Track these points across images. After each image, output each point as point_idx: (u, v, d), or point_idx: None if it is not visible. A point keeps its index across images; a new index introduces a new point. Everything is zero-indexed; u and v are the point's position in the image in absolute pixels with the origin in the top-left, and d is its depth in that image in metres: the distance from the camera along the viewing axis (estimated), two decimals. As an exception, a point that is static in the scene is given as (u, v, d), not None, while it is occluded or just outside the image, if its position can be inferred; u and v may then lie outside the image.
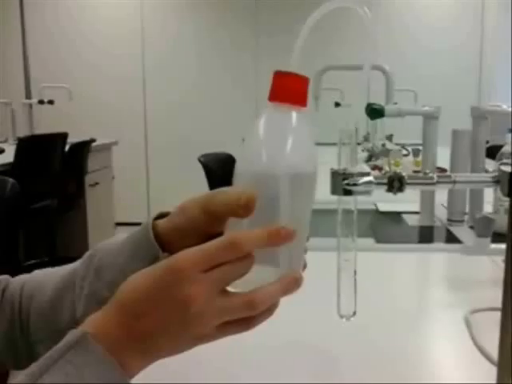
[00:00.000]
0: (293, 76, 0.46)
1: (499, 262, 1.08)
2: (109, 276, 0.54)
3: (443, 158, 1.58)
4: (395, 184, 0.58)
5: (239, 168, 0.46)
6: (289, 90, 0.46)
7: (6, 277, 0.63)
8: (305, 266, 0.50)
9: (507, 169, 0.58)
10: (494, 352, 0.56)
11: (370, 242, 1.31)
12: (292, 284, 0.45)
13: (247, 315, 0.44)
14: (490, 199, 1.40)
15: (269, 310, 0.46)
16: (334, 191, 0.57)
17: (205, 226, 0.50)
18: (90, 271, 0.55)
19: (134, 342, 0.43)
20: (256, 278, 0.43)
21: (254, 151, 0.45)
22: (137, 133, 5.49)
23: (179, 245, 0.46)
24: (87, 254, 0.58)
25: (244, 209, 0.44)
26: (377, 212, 1.67)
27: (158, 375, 0.57)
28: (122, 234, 0.56)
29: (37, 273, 0.62)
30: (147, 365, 0.44)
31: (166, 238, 0.52)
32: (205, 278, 0.42)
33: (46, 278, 0.60)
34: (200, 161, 2.55)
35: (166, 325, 0.42)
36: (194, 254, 0.42)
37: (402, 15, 5.30)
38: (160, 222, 0.53)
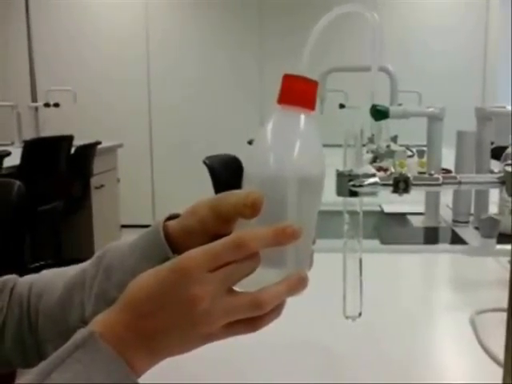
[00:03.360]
0: (302, 79, 0.47)
1: (505, 262, 1.08)
2: (118, 276, 0.54)
3: (448, 159, 1.58)
4: (401, 185, 0.58)
5: (248, 170, 0.47)
6: (298, 93, 0.47)
7: (14, 276, 0.63)
8: (310, 265, 0.50)
9: (512, 170, 0.58)
10: (500, 353, 0.56)
11: (375, 243, 1.31)
12: (298, 284, 0.45)
13: (254, 315, 0.44)
14: (495, 200, 1.39)
15: (276, 311, 0.46)
16: (339, 192, 0.57)
17: (214, 227, 0.50)
18: (100, 271, 0.56)
19: (140, 341, 0.43)
20: (262, 278, 0.44)
21: (263, 154, 0.46)
22: (142, 135, 5.51)
23: (189, 246, 0.47)
24: (97, 253, 0.58)
25: (250, 209, 0.45)
26: (382, 213, 1.67)
27: (162, 373, 0.57)
28: (132, 236, 0.56)
29: (45, 273, 0.63)
30: (154, 364, 0.45)
31: (176, 240, 0.53)
32: (211, 277, 0.42)
33: (55, 278, 0.60)
34: (205, 163, 2.55)
35: (173, 324, 0.43)
36: (199, 253, 0.43)
37: (405, 16, 5.29)
38: (170, 223, 0.54)
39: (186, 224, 0.53)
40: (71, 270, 0.60)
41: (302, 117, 0.47)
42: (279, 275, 0.45)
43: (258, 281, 0.44)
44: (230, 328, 0.44)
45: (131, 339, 0.43)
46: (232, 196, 0.48)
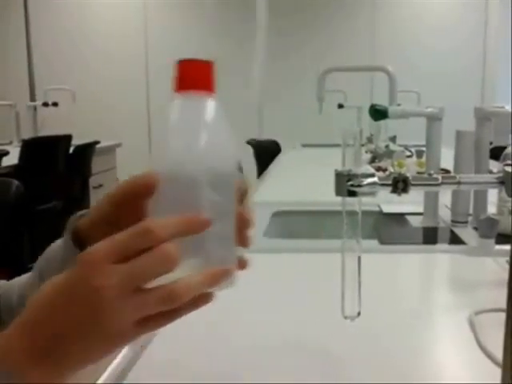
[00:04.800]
0: (196, 61, 0.45)
1: (503, 263, 1.08)
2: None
3: (446, 159, 1.58)
4: (400, 185, 0.58)
5: (155, 166, 0.43)
6: (194, 75, 0.44)
7: (3, 282, 0.61)
8: (244, 265, 0.47)
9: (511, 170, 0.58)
10: (498, 353, 0.56)
11: (373, 243, 1.30)
12: (218, 276, 0.42)
13: (167, 308, 0.40)
14: (493, 200, 1.39)
15: (194, 303, 0.43)
16: (338, 192, 0.57)
17: (117, 214, 0.47)
18: (35, 275, 0.55)
19: (37, 351, 0.39)
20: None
21: (166, 145, 0.43)
22: (141, 134, 5.50)
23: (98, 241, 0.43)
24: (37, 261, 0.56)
25: (144, 186, 0.42)
26: (380, 213, 1.67)
27: (160, 374, 0.57)
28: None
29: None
30: (62, 377, 0.40)
31: (88, 236, 0.50)
32: (117, 269, 0.38)
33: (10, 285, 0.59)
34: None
35: (76, 325, 0.39)
36: (103, 244, 0.39)
37: (405, 16, 5.30)
38: (81, 221, 0.52)
39: (91, 218, 0.51)
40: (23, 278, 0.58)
41: (204, 100, 0.44)
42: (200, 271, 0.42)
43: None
44: (142, 324, 0.40)
45: (26, 351, 0.39)
46: (125, 179, 0.47)
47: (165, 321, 0.42)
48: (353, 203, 0.57)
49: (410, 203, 1.58)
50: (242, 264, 0.47)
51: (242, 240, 0.47)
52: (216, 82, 0.45)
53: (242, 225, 0.46)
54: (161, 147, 0.44)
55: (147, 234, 0.39)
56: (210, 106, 0.44)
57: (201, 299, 0.44)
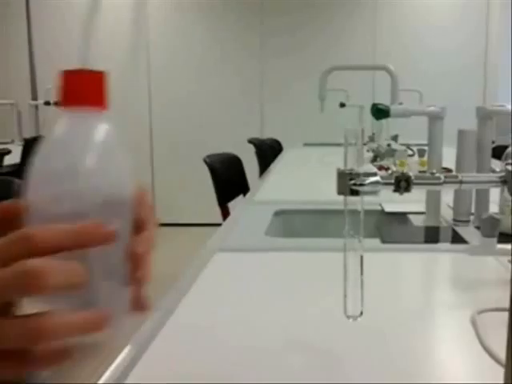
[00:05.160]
0: (82, 72, 0.40)
1: (505, 262, 1.08)
2: None
3: (448, 159, 1.58)
4: (402, 184, 0.58)
5: (33, 189, 0.38)
6: (84, 89, 0.39)
7: None
8: (143, 308, 0.40)
9: (514, 169, 0.58)
10: (501, 352, 0.56)
11: (375, 242, 1.30)
12: (96, 322, 0.35)
13: (26, 345, 0.33)
14: (495, 199, 1.39)
15: (59, 354, 0.35)
16: (340, 191, 0.57)
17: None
18: None
19: None
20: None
21: (49, 170, 0.37)
22: (142, 134, 5.51)
23: None
24: None
25: (8, 211, 0.39)
26: (382, 212, 1.66)
27: (160, 377, 0.57)
28: None
29: None
30: None
31: None
32: None
33: None
34: (205, 161, 2.55)
35: None
36: None
37: (406, 15, 5.29)
38: None
39: None
40: None
41: (93, 117, 0.39)
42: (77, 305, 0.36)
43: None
44: None
45: None
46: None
47: (19, 364, 0.34)
48: (355, 202, 0.57)
49: (412, 202, 1.58)
50: (142, 306, 0.40)
51: (136, 278, 0.39)
52: (108, 95, 0.40)
53: (134, 261, 0.38)
54: (41, 168, 0.37)
55: (25, 239, 0.33)
56: (99, 123, 0.39)
57: (57, 355, 0.35)
